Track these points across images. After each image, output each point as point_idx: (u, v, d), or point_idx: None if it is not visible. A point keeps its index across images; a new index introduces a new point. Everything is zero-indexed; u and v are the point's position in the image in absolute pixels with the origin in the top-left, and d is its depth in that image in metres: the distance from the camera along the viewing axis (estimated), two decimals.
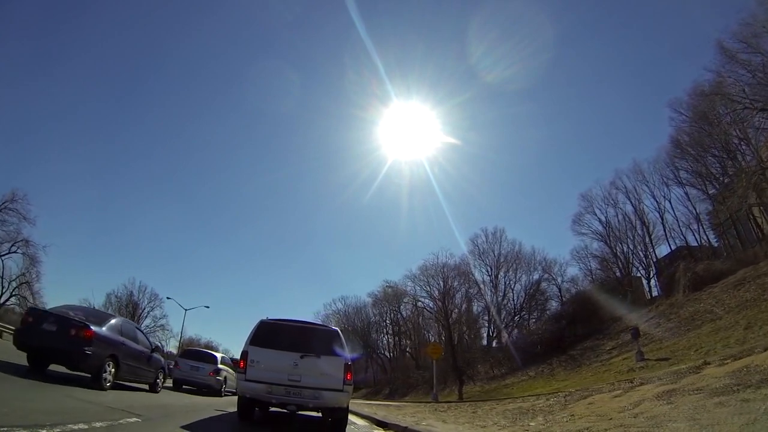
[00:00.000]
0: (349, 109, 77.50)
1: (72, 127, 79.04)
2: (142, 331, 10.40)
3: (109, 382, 8.14)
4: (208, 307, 46.27)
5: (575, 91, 76.43)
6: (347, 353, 7.07)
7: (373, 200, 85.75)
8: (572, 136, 77.44)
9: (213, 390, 15.35)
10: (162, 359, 11.21)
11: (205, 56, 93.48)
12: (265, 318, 7.32)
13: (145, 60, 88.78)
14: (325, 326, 8.58)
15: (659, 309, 29.97)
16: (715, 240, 37.04)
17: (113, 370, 8.27)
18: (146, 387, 10.63)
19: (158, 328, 56.54)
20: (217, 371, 15.63)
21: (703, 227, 37.36)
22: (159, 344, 34.74)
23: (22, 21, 62.07)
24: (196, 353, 16.83)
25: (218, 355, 16.94)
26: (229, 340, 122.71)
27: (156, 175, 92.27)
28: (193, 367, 15.29)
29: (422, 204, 78.19)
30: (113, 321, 8.89)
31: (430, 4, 76.23)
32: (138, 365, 9.40)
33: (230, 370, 17.47)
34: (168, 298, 48.10)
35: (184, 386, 15.44)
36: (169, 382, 15.56)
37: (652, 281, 39.95)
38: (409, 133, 68.11)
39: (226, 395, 17.24)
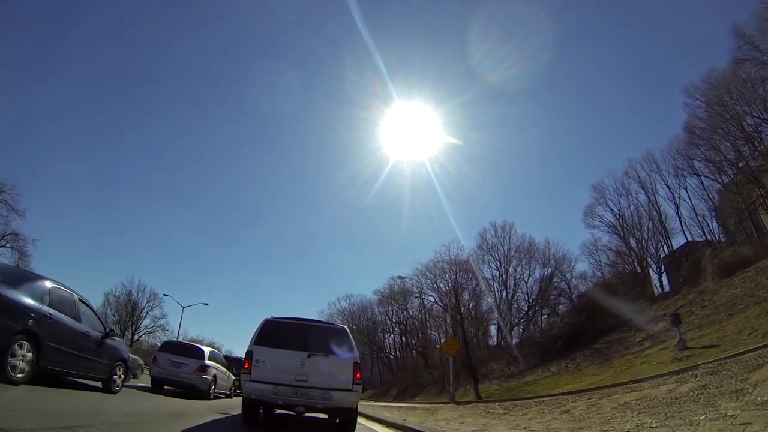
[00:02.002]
0: (351, 109, 76.38)
1: (73, 127, 78.18)
2: (90, 306, 7.49)
3: (21, 372, 5.35)
4: (206, 304, 43.78)
5: (577, 91, 75.84)
6: (356, 352, 6.79)
7: (375, 200, 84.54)
8: (574, 135, 76.64)
9: (199, 391, 12.51)
10: (123, 348, 8.37)
11: (206, 57, 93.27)
12: (270, 316, 7.07)
13: (146, 60, 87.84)
14: (333, 324, 8.43)
15: (687, 298, 28.86)
16: (720, 232, 35.73)
17: (30, 354, 5.43)
18: (99, 385, 7.72)
19: (158, 328, 55.04)
20: (204, 368, 12.76)
21: (719, 218, 35.99)
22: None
23: (23, 21, 61.33)
24: (179, 346, 13.88)
25: (206, 349, 13.96)
26: (234, 342, 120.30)
27: (156, 175, 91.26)
28: (174, 363, 12.40)
29: (424, 204, 77.16)
30: (38, 283, 6.04)
31: (431, 5, 75.60)
32: (77, 352, 6.53)
33: (222, 367, 14.68)
34: (165, 294, 46.56)
35: (165, 386, 12.65)
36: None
37: (663, 276, 39.04)
38: (411, 134, 67.62)
39: (218, 397, 14.44)
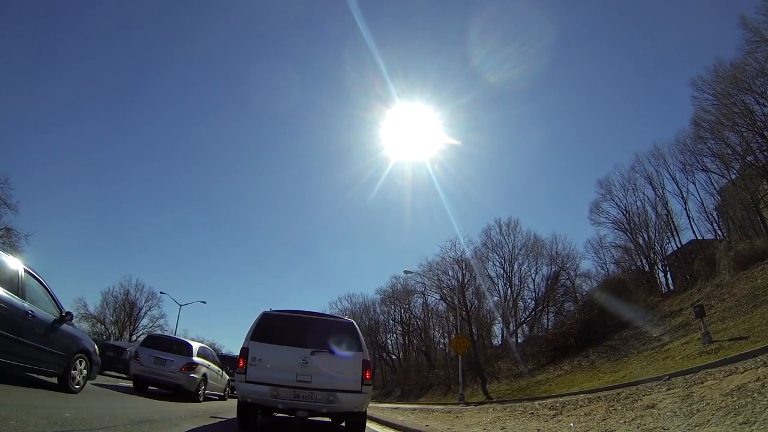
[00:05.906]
0: (352, 110, 75.92)
1: (74, 127, 77.63)
2: (42, 283, 5.92)
3: None
4: (204, 302, 42.69)
5: (581, 90, 75.43)
6: (365, 348, 6.22)
7: (376, 200, 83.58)
8: (579, 134, 76.36)
9: (186, 392, 10.98)
10: (84, 337, 6.80)
11: (207, 57, 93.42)
12: (268, 309, 6.48)
13: (147, 61, 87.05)
14: (339, 317, 7.89)
15: (703, 291, 27.40)
16: (724, 228, 34.87)
17: None
18: (54, 381, 6.16)
19: (156, 328, 53.34)
20: (192, 366, 11.24)
21: (720, 214, 35.21)
22: None
23: (27, 22, 60.52)
24: (164, 341, 12.32)
25: (195, 344, 12.41)
26: (236, 343, 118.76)
27: (157, 175, 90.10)
28: (157, 360, 10.89)
29: (426, 204, 75.91)
30: None
31: (433, 6, 74.42)
32: (15, 335, 5.00)
33: (214, 365, 13.15)
34: (162, 292, 46.03)
35: (149, 386, 11.25)
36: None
37: (668, 273, 38.05)
38: (412, 134, 66.18)
39: (211, 399, 12.92)
